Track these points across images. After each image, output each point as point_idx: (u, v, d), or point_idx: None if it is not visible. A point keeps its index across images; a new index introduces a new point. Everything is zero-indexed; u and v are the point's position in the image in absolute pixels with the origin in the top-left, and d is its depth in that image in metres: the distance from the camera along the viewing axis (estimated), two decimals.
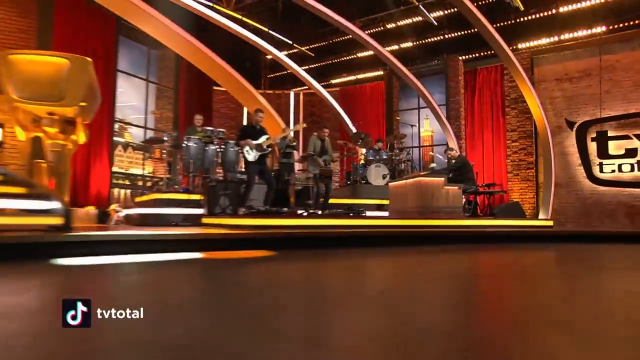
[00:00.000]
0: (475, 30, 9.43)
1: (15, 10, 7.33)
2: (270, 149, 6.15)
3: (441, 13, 11.24)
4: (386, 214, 7.50)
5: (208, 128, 7.25)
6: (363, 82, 12.66)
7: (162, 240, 4.15)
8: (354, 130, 10.34)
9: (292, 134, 9.08)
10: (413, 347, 1.08)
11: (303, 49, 12.95)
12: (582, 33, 10.02)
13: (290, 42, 12.34)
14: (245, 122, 12.28)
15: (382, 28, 12.18)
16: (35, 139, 6.81)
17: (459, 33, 11.24)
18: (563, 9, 10.00)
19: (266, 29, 11.87)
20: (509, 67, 9.44)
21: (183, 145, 7.01)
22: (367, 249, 4.51)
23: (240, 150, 6.66)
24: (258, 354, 0.96)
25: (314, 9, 9.08)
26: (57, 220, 4.06)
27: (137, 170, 9.70)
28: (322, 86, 11.70)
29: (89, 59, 6.52)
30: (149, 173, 9.91)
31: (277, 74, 14.10)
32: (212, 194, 6.49)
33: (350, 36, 10.65)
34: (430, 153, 11.69)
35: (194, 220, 6.42)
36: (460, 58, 11.07)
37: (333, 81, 13.10)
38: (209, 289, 2.08)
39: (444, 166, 10.79)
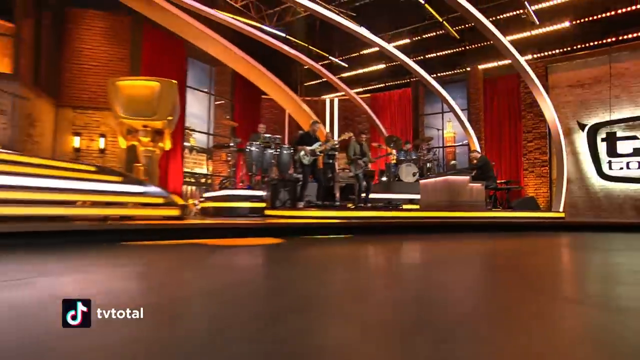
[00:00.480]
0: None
1: (115, 42, 8.45)
2: (321, 154, 7.00)
3: (462, 26, 11.78)
4: (417, 207, 8.23)
5: (267, 135, 8.14)
6: (391, 88, 13.32)
7: (247, 227, 5.07)
8: (386, 134, 11.05)
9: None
10: (470, 282, 1.90)
11: (337, 60, 13.70)
12: (593, 43, 10.37)
13: (326, 55, 13.11)
14: (287, 126, 13.19)
15: (408, 40, 12.81)
16: (131, 146, 7.93)
17: (479, 44, 11.74)
18: (575, 22, 10.39)
19: (306, 44, 12.69)
20: (523, 76, 9.90)
21: (246, 149, 7.94)
22: (406, 235, 5.29)
23: (293, 154, 7.58)
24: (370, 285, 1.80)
25: (347, 27, 9.78)
26: (175, 212, 5.04)
27: (200, 170, 10.78)
28: (353, 92, 12.42)
29: (174, 81, 7.58)
30: (209, 172, 10.97)
31: (312, 82, 14.91)
32: (274, 190, 7.40)
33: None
34: (456, 151, 12.29)
35: (258, 213, 7.34)
36: (480, 67, 11.58)
37: (364, 88, 13.79)
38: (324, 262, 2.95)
39: (463, 164, 11.42)
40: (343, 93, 12.31)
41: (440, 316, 1.23)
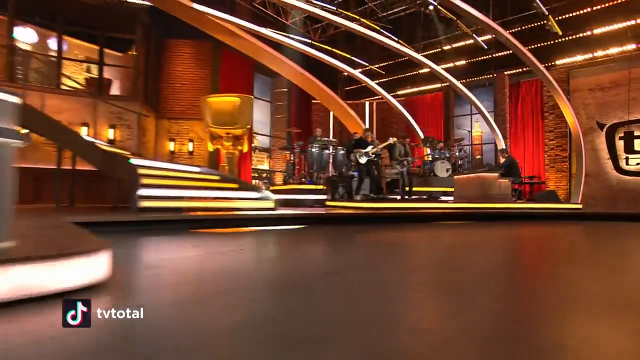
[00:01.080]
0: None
1: (199, 65, 9.80)
2: (373, 156, 8.03)
3: (489, 37, 12.33)
4: (451, 198, 9.15)
5: (325, 138, 9.24)
6: (424, 92, 14.05)
7: (316, 216, 6.18)
8: (422, 135, 11.92)
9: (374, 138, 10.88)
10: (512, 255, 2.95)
11: (374, 67, 14.55)
12: (613, 50, 10.75)
13: (367, 64, 13.99)
14: (331, 126, 14.27)
15: (439, 49, 13.48)
16: (215, 150, 9.22)
17: (505, 53, 12.26)
18: (597, 31, 10.79)
19: (348, 56, 13.63)
20: (544, 81, 10.48)
21: (308, 150, 9.06)
22: (447, 223, 6.27)
23: (346, 154, 8.67)
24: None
25: (380, 41, 10.67)
26: (269, 204, 6.24)
27: (262, 166, 12.08)
28: (390, 96, 13.26)
29: (251, 96, 8.80)
30: (269, 168, 12.27)
31: (352, 87, 15.82)
32: (333, 185, 8.51)
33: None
34: (483, 148, 12.98)
35: (320, 204, 8.46)
36: (506, 73, 12.15)
37: (399, 92, 14.58)
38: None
39: (489, 159, 12.14)
40: (380, 96, 13.19)
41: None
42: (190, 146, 9.63)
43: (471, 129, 13.19)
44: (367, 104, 14.56)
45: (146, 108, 8.66)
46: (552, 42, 11.52)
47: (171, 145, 9.53)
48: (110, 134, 7.75)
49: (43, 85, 7.77)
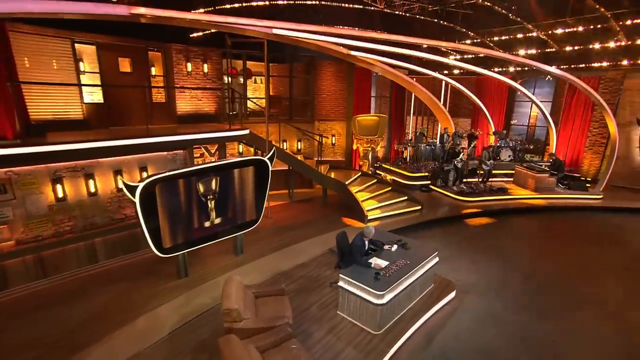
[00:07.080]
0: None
1: (338, 79, 12.31)
2: (464, 161, 11.07)
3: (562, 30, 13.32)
4: (511, 179, 12.13)
5: (430, 140, 12.10)
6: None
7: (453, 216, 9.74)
8: (491, 122, 14.25)
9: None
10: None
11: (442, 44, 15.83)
12: None
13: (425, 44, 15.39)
14: (412, 109, 16.51)
15: (512, 36, 14.55)
16: (357, 148, 12.45)
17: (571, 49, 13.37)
18: None
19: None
20: (576, 85, 12.02)
21: (417, 145, 12.09)
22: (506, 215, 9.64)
23: (442, 149, 11.69)
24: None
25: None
26: (418, 209, 9.82)
27: None
28: (463, 75, 14.97)
29: (385, 115, 11.60)
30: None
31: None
32: (436, 174, 11.67)
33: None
34: (536, 129, 15.10)
35: (426, 187, 11.65)
36: (565, 67, 13.48)
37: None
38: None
39: (540, 135, 14.35)
40: (454, 73, 14.91)
41: None
42: (332, 139, 12.84)
43: (530, 111, 15.14)
44: (443, 82, 16.33)
45: (309, 116, 11.85)
46: (621, 44, 12.52)
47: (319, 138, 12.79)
48: (298, 144, 11.15)
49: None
